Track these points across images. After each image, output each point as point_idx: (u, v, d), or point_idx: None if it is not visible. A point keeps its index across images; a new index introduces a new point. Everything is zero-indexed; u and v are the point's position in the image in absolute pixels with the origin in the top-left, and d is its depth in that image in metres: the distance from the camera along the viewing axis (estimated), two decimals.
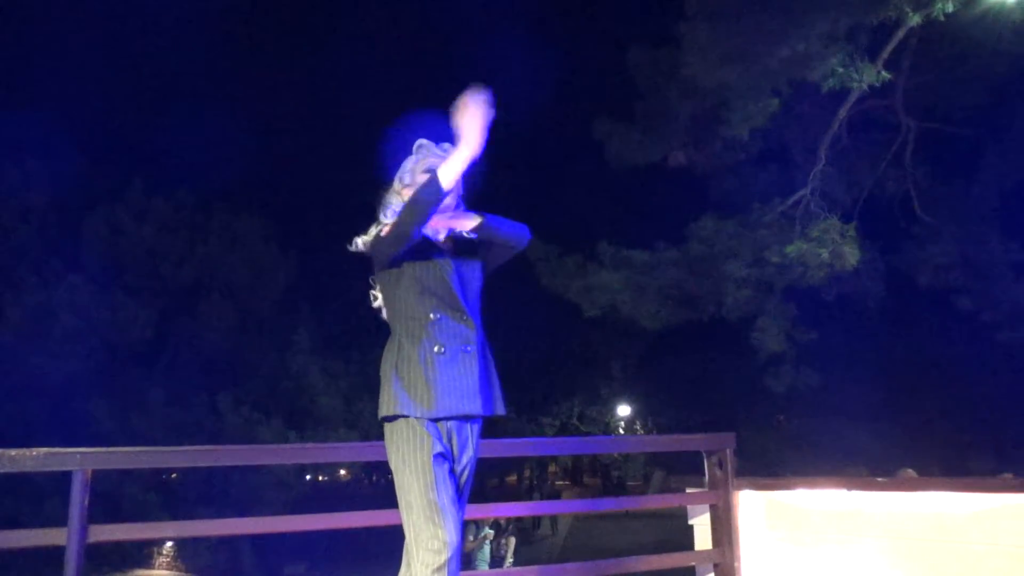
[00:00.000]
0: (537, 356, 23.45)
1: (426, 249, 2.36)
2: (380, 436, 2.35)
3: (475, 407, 2.28)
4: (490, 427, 2.51)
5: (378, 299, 2.42)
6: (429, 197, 2.20)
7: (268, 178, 16.50)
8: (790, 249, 9.33)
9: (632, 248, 10.66)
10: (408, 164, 2.44)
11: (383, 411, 2.28)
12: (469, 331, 2.32)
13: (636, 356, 22.73)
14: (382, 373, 2.32)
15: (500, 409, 2.37)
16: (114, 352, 14.09)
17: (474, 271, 2.42)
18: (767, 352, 10.43)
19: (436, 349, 2.27)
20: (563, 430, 25.29)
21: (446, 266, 2.35)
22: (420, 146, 2.44)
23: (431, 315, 2.30)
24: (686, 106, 10.02)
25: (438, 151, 2.43)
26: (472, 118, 2.18)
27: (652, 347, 19.65)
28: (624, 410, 27.17)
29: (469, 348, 2.31)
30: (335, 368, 15.89)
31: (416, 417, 2.23)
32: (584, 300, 10.85)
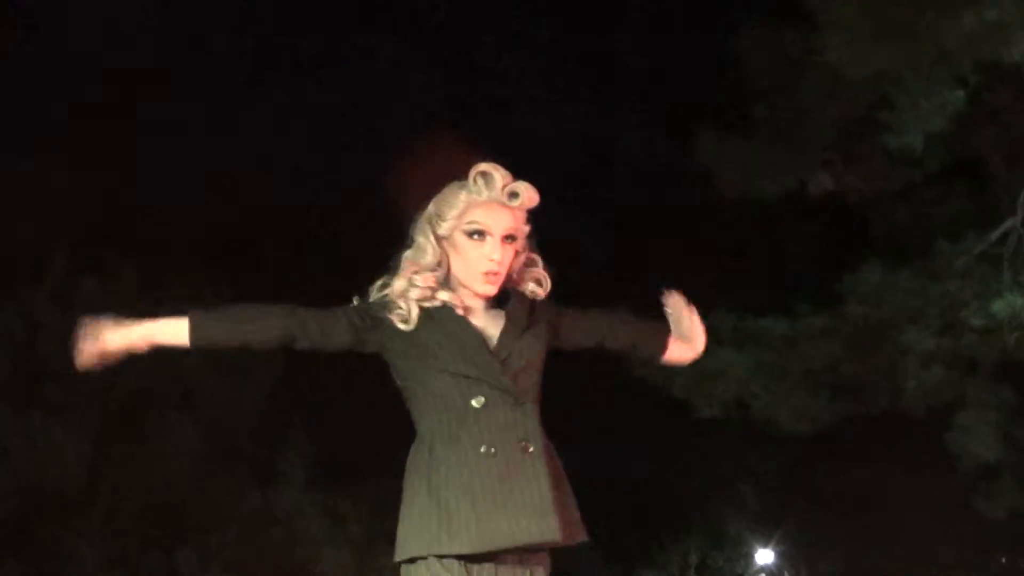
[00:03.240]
0: (628, 478, 23.16)
1: (447, 311, 2.35)
2: None
3: (549, 529, 2.21)
4: None
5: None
6: None
7: (238, 236, 16.86)
8: (997, 306, 9.19)
9: (763, 316, 10.59)
10: (458, 195, 2.39)
11: (400, 552, 2.24)
12: (527, 421, 2.28)
13: (778, 474, 22.30)
14: (404, 492, 2.29)
15: (581, 533, 2.33)
16: (31, 499, 14.29)
17: (530, 342, 2.38)
18: (974, 461, 10.22)
19: (483, 449, 2.23)
20: None
21: (476, 331, 2.33)
22: (482, 175, 2.38)
23: (472, 403, 2.26)
24: (830, 108, 10.04)
25: (502, 197, 2.36)
26: None
27: (801, 460, 19.27)
28: (765, 555, 26.56)
29: (531, 448, 2.26)
30: (341, 508, 15.85)
31: (450, 556, 2.18)
32: (697, 394, 10.75)
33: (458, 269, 2.37)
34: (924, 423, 10.64)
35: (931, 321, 9.77)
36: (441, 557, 2.18)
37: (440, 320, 2.32)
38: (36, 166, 14.36)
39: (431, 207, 2.40)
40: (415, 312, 2.32)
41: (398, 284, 2.35)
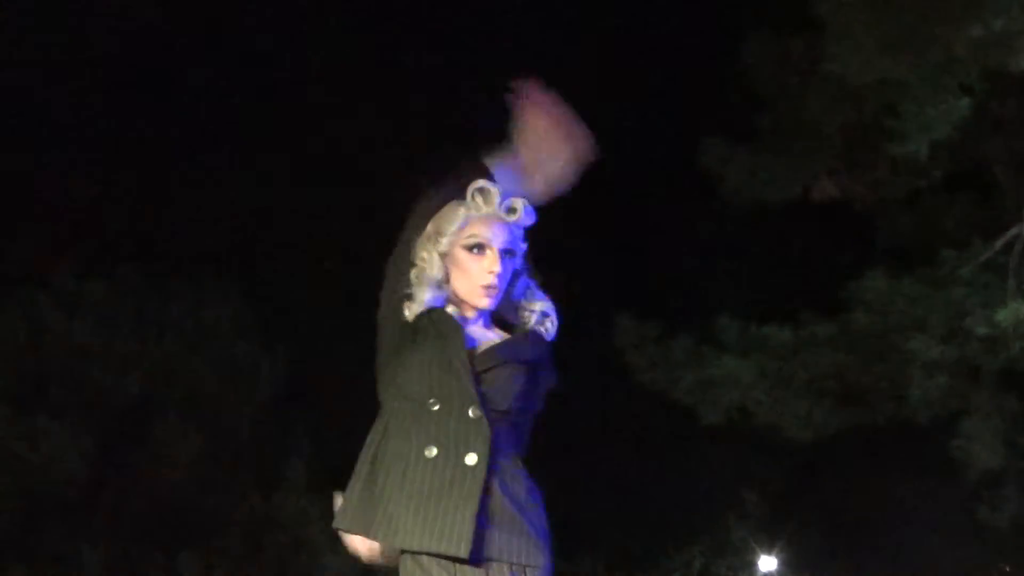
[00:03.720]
0: (632, 486, 23.12)
1: (440, 323, 2.39)
2: None
3: (453, 544, 2.18)
4: None
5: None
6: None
7: (244, 245, 16.88)
8: (1002, 314, 9.18)
9: (767, 323, 10.60)
10: (456, 211, 2.44)
11: (337, 520, 2.39)
12: (478, 439, 2.26)
13: (781, 481, 22.27)
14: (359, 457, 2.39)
15: (527, 556, 2.27)
16: (34, 500, 14.30)
17: (514, 372, 2.38)
18: (978, 469, 10.20)
19: (427, 451, 2.25)
20: None
21: (458, 352, 2.34)
22: (480, 191, 2.43)
23: (430, 400, 2.29)
24: (834, 115, 10.04)
25: (499, 212, 2.44)
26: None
27: (804, 467, 19.25)
28: (768, 563, 26.50)
29: (471, 460, 2.24)
30: None
31: (432, 555, 2.22)
32: (700, 401, 10.75)
33: (459, 285, 2.43)
34: (928, 431, 10.63)
35: (936, 329, 9.75)
36: (425, 555, 2.21)
37: (436, 318, 2.38)
38: (41, 168, 14.38)
39: (430, 227, 2.45)
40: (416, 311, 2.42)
41: (422, 297, 2.43)
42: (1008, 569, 17.53)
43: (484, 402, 2.30)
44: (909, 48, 8.66)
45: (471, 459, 2.23)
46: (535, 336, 2.45)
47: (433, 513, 2.20)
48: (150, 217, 16.33)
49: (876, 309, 10.02)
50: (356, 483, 2.36)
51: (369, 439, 2.38)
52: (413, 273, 2.43)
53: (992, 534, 11.80)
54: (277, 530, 15.45)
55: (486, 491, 2.23)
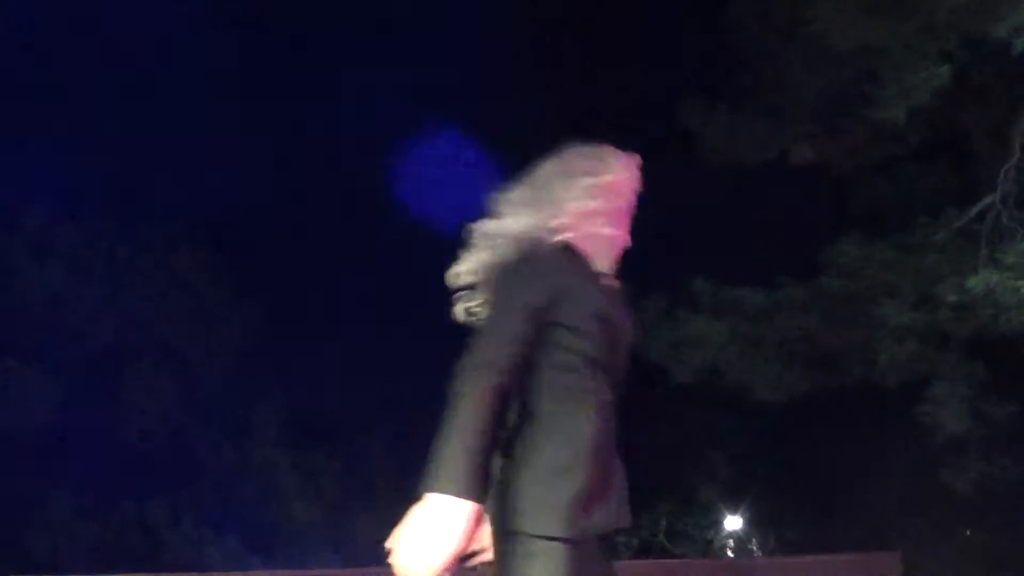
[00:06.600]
0: None
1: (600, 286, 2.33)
2: (375, 561, 2.24)
3: (628, 516, 2.15)
4: None
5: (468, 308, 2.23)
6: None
7: (217, 194, 16.74)
8: (973, 282, 9.24)
9: (740, 285, 10.64)
10: (590, 175, 2.40)
11: (542, 527, 1.98)
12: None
13: (749, 442, 22.39)
14: (546, 453, 2.03)
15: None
16: (2, 445, 14.27)
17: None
18: (944, 434, 10.30)
19: (607, 438, 2.09)
20: (644, 551, 24.89)
21: (625, 320, 2.28)
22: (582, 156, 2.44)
23: (609, 394, 2.12)
24: (814, 79, 10.04)
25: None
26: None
27: (772, 428, 19.35)
28: (734, 522, 26.73)
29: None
30: (314, 463, 15.88)
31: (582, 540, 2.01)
32: (672, 361, 10.82)
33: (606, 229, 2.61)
34: (896, 395, 10.70)
35: (907, 295, 9.82)
36: (576, 541, 1.99)
37: (587, 273, 2.40)
38: (16, 118, 14.21)
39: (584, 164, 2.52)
40: None
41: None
42: (969, 532, 17.76)
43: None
44: (891, 13, 8.66)
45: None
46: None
47: (619, 489, 2.12)
48: (122, 164, 16.14)
49: (849, 274, 10.07)
50: (567, 475, 2.01)
51: (569, 426, 2.04)
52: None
53: (955, 498, 11.92)
54: (247, 479, 15.49)
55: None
